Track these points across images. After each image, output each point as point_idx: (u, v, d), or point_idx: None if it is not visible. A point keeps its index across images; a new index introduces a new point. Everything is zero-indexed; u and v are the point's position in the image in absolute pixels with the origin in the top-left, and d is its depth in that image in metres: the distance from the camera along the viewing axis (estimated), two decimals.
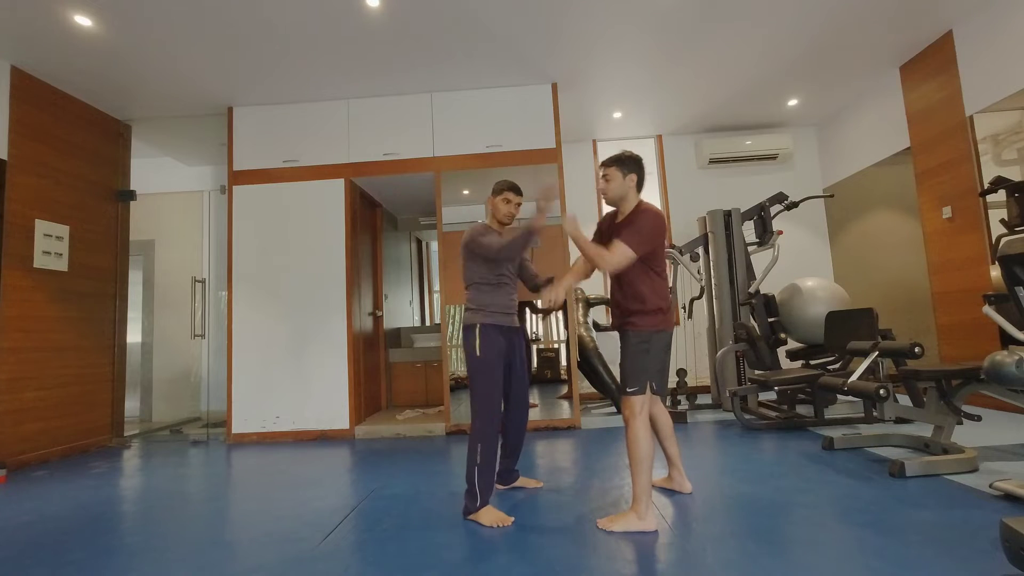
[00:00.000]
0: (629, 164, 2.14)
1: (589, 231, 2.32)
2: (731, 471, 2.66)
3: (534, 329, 4.58)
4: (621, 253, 2.01)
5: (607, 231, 2.25)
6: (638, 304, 2.09)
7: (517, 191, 2.45)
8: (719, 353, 4.19)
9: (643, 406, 2.02)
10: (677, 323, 5.22)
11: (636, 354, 2.07)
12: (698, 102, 5.00)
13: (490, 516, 2.10)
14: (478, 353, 2.24)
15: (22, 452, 3.54)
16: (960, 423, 2.67)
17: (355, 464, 3.28)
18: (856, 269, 5.32)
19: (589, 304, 5.00)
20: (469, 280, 2.37)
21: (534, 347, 4.54)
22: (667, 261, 4.66)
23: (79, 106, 4.19)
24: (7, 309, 3.48)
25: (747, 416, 3.78)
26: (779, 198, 4.41)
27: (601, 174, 2.20)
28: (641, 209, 2.11)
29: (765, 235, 4.42)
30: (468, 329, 2.29)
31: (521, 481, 2.58)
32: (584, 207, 5.61)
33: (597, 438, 3.63)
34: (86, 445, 4.06)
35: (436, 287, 6.34)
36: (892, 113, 4.61)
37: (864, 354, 2.90)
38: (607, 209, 2.37)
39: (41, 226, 3.74)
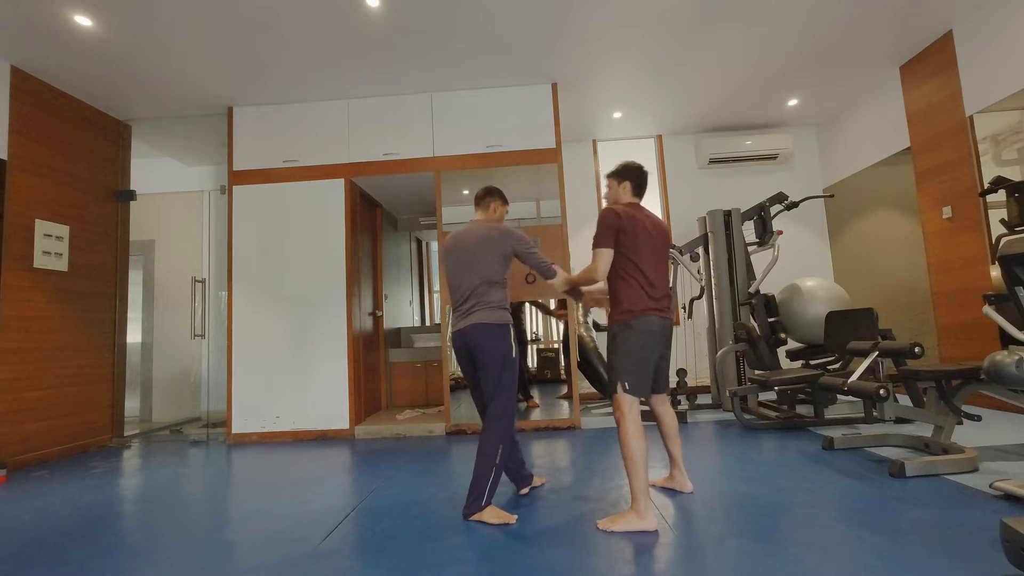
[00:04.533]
0: (622, 173, 2.34)
1: (588, 232, 2.47)
2: (731, 471, 2.66)
3: (534, 329, 4.58)
4: (593, 258, 2.19)
5: None
6: (610, 299, 2.26)
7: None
8: (719, 353, 4.19)
9: (630, 406, 2.04)
10: (677, 323, 5.21)
11: (609, 353, 2.19)
12: (698, 102, 5.00)
13: (494, 515, 2.11)
14: (514, 354, 2.27)
15: (22, 452, 3.54)
16: (960, 423, 2.67)
17: (355, 464, 3.28)
18: (856, 269, 5.32)
19: None
20: (496, 277, 2.32)
21: (534, 347, 4.54)
22: (667, 261, 4.67)
23: (79, 106, 4.19)
24: (7, 309, 3.48)
25: (747, 416, 3.78)
26: (779, 198, 4.41)
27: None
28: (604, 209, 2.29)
29: (765, 235, 4.42)
30: (502, 328, 2.26)
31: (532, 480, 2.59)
32: (584, 207, 5.60)
33: (597, 438, 3.63)
34: (86, 445, 4.07)
35: (436, 287, 6.34)
36: (892, 113, 4.61)
37: (864, 354, 2.90)
38: None
39: (41, 226, 3.74)
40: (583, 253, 5.38)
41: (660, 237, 2.23)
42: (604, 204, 2.43)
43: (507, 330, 2.28)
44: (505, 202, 2.56)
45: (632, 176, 2.33)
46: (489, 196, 2.53)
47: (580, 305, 4.87)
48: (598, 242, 2.17)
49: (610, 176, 2.39)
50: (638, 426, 2.01)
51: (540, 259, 2.42)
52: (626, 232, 2.14)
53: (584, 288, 2.40)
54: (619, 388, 2.06)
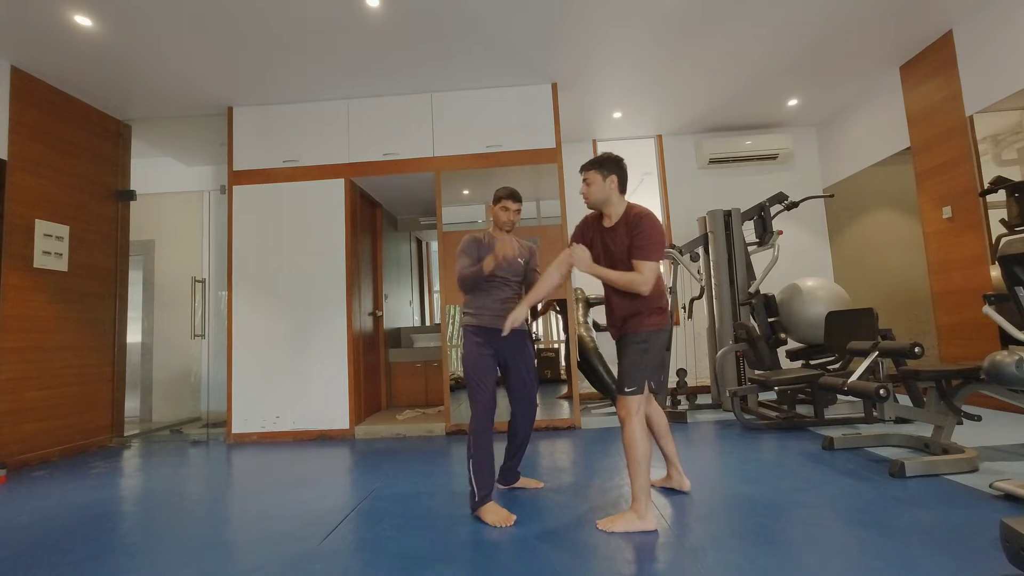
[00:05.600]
0: (609, 165, 2.12)
1: None
2: (731, 471, 2.66)
3: (534, 330, 4.57)
4: (651, 270, 2.00)
5: (597, 238, 2.21)
6: (636, 307, 2.09)
7: (515, 198, 2.49)
8: (719, 353, 4.19)
9: (640, 406, 2.03)
10: (677, 323, 5.21)
11: (635, 354, 2.07)
12: (698, 102, 5.00)
13: (493, 514, 2.11)
14: (462, 351, 2.41)
15: (22, 452, 3.54)
16: (960, 423, 2.67)
17: (355, 464, 3.28)
18: (856, 269, 5.32)
19: (589, 304, 5.00)
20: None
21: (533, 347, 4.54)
22: (667, 261, 4.67)
23: (79, 106, 4.19)
24: (7, 309, 3.48)
25: (747, 416, 3.78)
26: (779, 198, 4.41)
27: (582, 178, 2.20)
28: (641, 214, 2.08)
29: (765, 235, 4.42)
30: (463, 331, 2.47)
31: (522, 482, 2.59)
32: (583, 208, 5.60)
33: (597, 438, 3.63)
34: (86, 445, 4.06)
35: (436, 287, 6.34)
36: (892, 113, 4.61)
37: (864, 354, 2.90)
38: None
39: (41, 226, 3.74)
40: None
41: None
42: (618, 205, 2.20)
43: (464, 331, 2.44)
44: (495, 201, 2.49)
45: (617, 170, 2.13)
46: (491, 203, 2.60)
47: (580, 305, 4.87)
48: (654, 255, 2.00)
49: (592, 168, 2.13)
50: (644, 427, 2.02)
51: (459, 267, 2.40)
52: None
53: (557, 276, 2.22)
54: (646, 388, 2.05)
